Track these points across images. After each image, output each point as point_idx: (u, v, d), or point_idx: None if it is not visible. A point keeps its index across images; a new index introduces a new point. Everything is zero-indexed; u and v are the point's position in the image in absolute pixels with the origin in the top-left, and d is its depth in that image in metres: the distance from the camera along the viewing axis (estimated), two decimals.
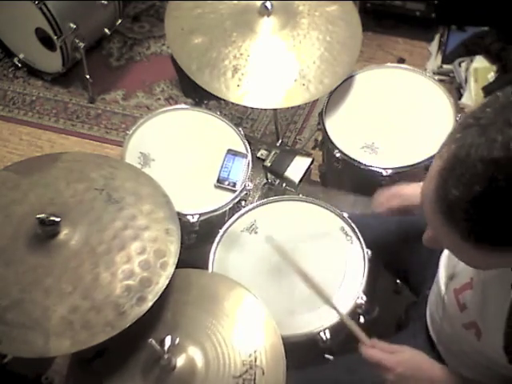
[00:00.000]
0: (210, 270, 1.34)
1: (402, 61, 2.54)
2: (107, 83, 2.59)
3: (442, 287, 1.08)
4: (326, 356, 1.28)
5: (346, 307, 1.26)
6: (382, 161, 1.55)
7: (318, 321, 1.25)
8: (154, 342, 1.03)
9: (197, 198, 1.53)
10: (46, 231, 1.13)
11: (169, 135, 1.65)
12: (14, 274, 1.10)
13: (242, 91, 1.57)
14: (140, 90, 2.56)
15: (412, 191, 1.24)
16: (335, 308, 1.15)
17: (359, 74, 1.75)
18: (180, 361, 1.08)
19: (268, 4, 1.62)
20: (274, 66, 1.60)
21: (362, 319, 1.30)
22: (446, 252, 1.12)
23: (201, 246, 1.55)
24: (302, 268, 1.17)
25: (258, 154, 1.71)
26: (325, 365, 1.27)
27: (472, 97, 2.26)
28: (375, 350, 1.04)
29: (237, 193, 1.54)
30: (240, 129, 1.66)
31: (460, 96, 2.31)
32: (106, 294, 1.08)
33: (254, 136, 2.32)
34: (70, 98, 2.55)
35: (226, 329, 1.14)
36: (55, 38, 2.29)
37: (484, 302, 0.93)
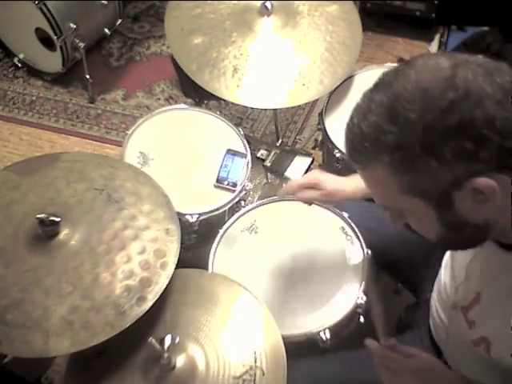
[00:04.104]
0: (209, 270, 1.34)
1: (401, 61, 2.53)
2: (107, 83, 2.59)
3: (449, 306, 1.07)
4: (326, 356, 1.27)
5: (346, 307, 1.26)
6: None
7: (318, 321, 1.25)
8: (154, 340, 1.03)
9: (196, 198, 1.53)
10: (46, 231, 1.13)
11: (168, 135, 1.65)
12: (14, 274, 1.10)
13: (241, 91, 1.57)
14: (140, 90, 2.56)
15: (334, 188, 1.24)
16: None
17: (359, 73, 1.75)
18: (180, 360, 1.08)
19: (268, 4, 1.62)
20: (273, 66, 1.60)
21: (362, 319, 1.30)
22: (448, 272, 1.11)
23: (201, 246, 1.55)
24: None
25: (258, 154, 1.71)
26: (326, 362, 1.26)
27: None
28: (393, 352, 1.00)
29: (236, 193, 1.54)
30: (240, 129, 1.66)
31: None
32: (106, 294, 1.08)
33: (253, 136, 2.32)
34: (70, 98, 2.55)
35: (226, 329, 1.14)
36: (55, 38, 2.29)
37: (493, 314, 0.92)
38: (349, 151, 0.82)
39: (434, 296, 1.16)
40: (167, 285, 1.11)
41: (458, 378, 1.01)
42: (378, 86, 0.79)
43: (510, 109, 0.72)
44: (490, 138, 0.71)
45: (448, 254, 1.13)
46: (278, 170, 1.64)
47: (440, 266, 1.15)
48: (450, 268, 1.08)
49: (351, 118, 0.81)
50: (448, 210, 0.79)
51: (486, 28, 2.43)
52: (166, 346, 1.04)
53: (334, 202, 1.29)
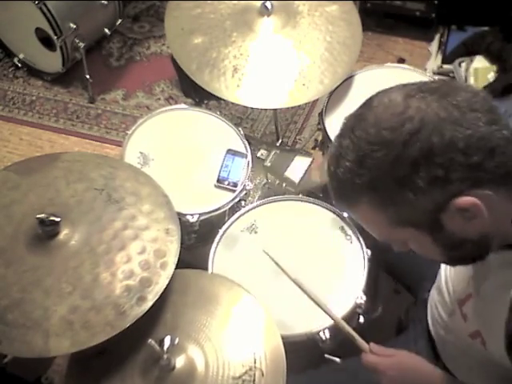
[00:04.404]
0: (209, 270, 1.34)
1: (402, 61, 2.54)
2: (107, 83, 2.59)
3: (447, 300, 1.09)
4: (326, 356, 1.27)
5: (345, 307, 1.26)
6: None
7: (318, 321, 1.25)
8: (153, 342, 1.03)
9: (197, 198, 1.53)
10: (46, 231, 1.13)
11: (169, 135, 1.64)
12: (14, 274, 1.10)
13: (241, 91, 1.57)
14: (140, 90, 2.56)
15: None
16: (332, 316, 1.17)
17: (359, 73, 1.75)
18: (179, 361, 1.08)
19: (268, 4, 1.62)
20: (273, 66, 1.59)
21: (361, 319, 1.30)
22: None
23: (201, 246, 1.55)
24: (299, 279, 1.20)
25: (258, 154, 1.71)
26: (326, 367, 1.27)
27: None
28: (373, 355, 1.07)
29: (237, 193, 1.54)
30: (240, 129, 1.66)
31: None
32: (106, 294, 1.08)
33: (254, 136, 2.32)
34: (70, 98, 2.55)
35: (226, 329, 1.14)
36: (55, 38, 2.29)
37: (485, 309, 0.93)
38: (333, 196, 0.87)
39: (435, 294, 1.17)
40: (167, 285, 1.11)
41: (432, 368, 1.06)
42: (342, 131, 0.83)
43: (469, 125, 0.74)
44: (455, 159, 0.74)
45: None
46: (278, 170, 1.64)
47: (439, 265, 1.15)
48: (451, 268, 1.09)
49: (328, 166, 0.85)
50: (440, 232, 0.81)
51: (486, 28, 2.43)
52: (165, 347, 1.04)
53: None
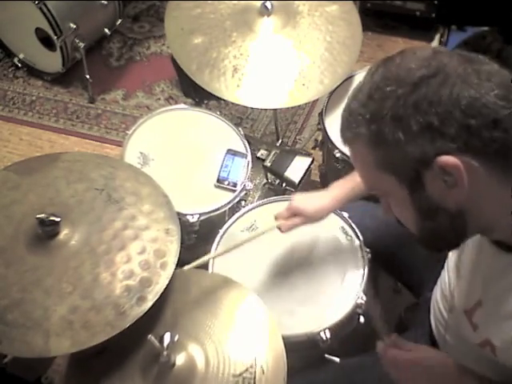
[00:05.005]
0: (210, 270, 1.34)
1: None
2: (107, 83, 2.59)
3: (451, 304, 1.07)
4: (327, 356, 1.27)
5: (346, 307, 1.26)
6: None
7: (319, 321, 1.25)
8: (153, 338, 1.03)
9: (197, 198, 1.53)
10: (46, 231, 1.13)
11: (169, 135, 1.65)
12: (14, 274, 1.10)
13: (241, 91, 1.57)
14: (140, 90, 2.56)
15: (313, 210, 1.28)
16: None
17: (359, 73, 1.75)
18: (180, 358, 1.08)
19: (268, 4, 1.62)
20: (273, 66, 1.60)
21: (362, 319, 1.30)
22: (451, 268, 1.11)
23: (201, 246, 1.55)
24: None
25: (258, 154, 1.71)
26: (326, 367, 1.27)
27: None
28: (394, 348, 1.02)
29: (237, 193, 1.54)
30: (240, 129, 1.66)
31: None
32: (106, 294, 1.08)
33: (254, 136, 2.32)
34: (70, 98, 2.55)
35: (226, 328, 1.14)
36: (55, 38, 2.30)
37: (496, 314, 0.92)
38: (340, 129, 0.88)
39: (437, 295, 1.16)
40: (167, 285, 1.11)
41: (455, 363, 1.00)
42: (370, 71, 0.85)
43: (479, 90, 0.75)
44: (453, 113, 0.75)
45: (451, 254, 1.12)
46: (278, 170, 1.64)
47: (441, 265, 1.15)
48: (454, 269, 1.08)
49: (347, 100, 0.87)
50: (420, 192, 0.81)
51: (486, 28, 2.43)
52: (165, 343, 1.03)
53: (318, 221, 1.31)
